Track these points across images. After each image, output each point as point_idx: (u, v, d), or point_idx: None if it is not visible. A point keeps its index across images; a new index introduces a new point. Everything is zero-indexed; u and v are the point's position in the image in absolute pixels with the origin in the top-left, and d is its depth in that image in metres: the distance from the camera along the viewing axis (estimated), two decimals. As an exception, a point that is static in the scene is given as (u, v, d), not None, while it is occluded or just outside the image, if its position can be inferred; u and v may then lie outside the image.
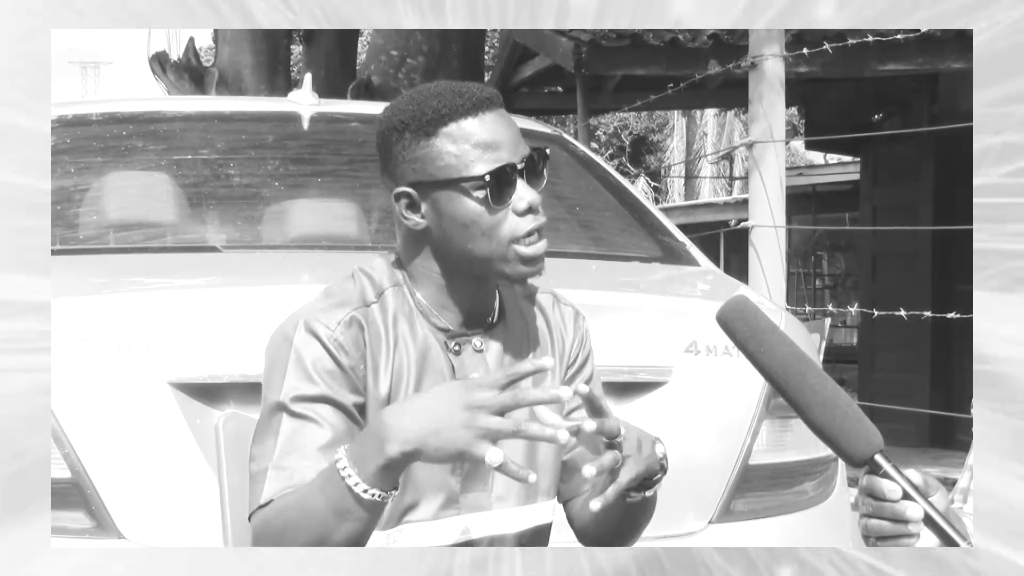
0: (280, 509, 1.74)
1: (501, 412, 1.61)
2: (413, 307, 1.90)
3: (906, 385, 10.11)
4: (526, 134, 4.20)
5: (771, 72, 4.82)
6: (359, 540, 1.70)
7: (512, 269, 1.86)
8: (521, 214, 1.84)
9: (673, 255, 3.43)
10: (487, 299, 1.94)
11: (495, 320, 1.96)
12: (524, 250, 1.84)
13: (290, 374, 1.81)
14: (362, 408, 1.85)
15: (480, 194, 1.82)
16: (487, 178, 1.81)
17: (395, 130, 1.86)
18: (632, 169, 28.68)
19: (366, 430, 1.72)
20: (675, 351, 2.73)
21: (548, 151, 1.91)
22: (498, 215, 1.83)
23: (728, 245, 17.06)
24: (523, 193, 1.84)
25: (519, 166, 1.84)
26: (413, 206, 1.87)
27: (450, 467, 1.89)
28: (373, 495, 1.65)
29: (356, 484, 1.64)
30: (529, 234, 1.84)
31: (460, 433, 1.60)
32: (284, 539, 1.73)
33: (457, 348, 1.91)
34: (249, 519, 1.81)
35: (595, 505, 1.73)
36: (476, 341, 1.92)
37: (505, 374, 1.63)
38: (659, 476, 1.85)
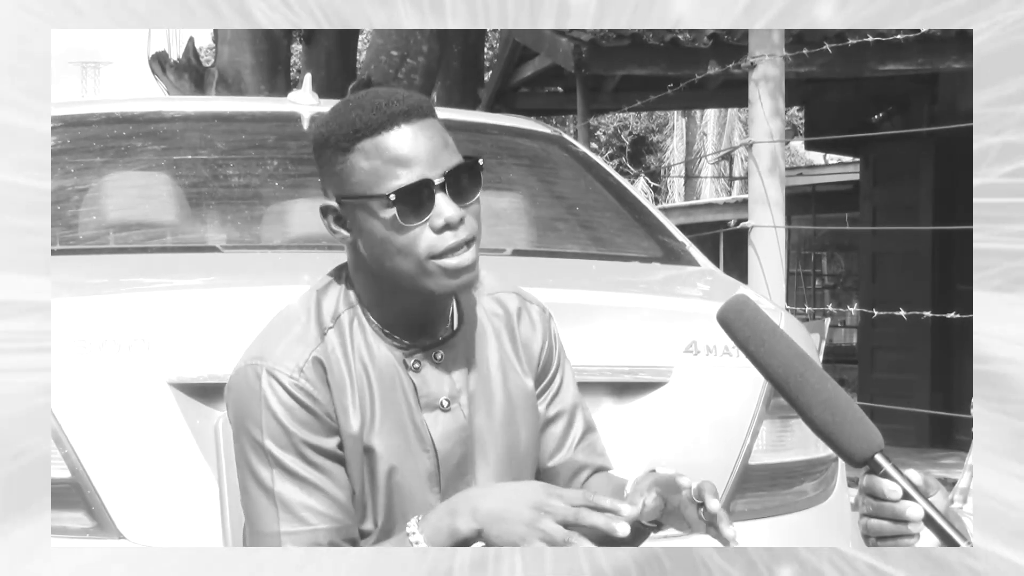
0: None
1: (564, 523, 1.67)
2: (367, 327, 1.87)
3: (906, 385, 10.11)
4: (526, 134, 4.18)
5: (771, 72, 4.82)
6: None
7: (435, 284, 1.79)
8: (438, 231, 1.77)
9: (673, 255, 3.43)
10: (439, 309, 1.89)
11: (455, 327, 1.92)
12: (446, 262, 1.78)
13: (267, 427, 1.80)
14: (341, 447, 1.84)
15: (388, 213, 1.76)
16: (392, 197, 1.75)
17: (321, 144, 1.83)
18: (632, 169, 28.67)
19: (441, 506, 1.77)
20: (675, 351, 2.73)
21: (481, 162, 1.83)
22: (412, 232, 1.77)
23: (728, 245, 17.06)
24: (442, 209, 1.77)
25: (437, 181, 1.77)
26: (340, 220, 1.84)
27: (429, 484, 1.88)
28: None
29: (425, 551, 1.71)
30: (449, 250, 1.78)
31: (521, 528, 1.68)
32: None
33: (417, 365, 1.87)
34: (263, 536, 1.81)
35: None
36: (435, 354, 1.88)
37: (585, 499, 1.68)
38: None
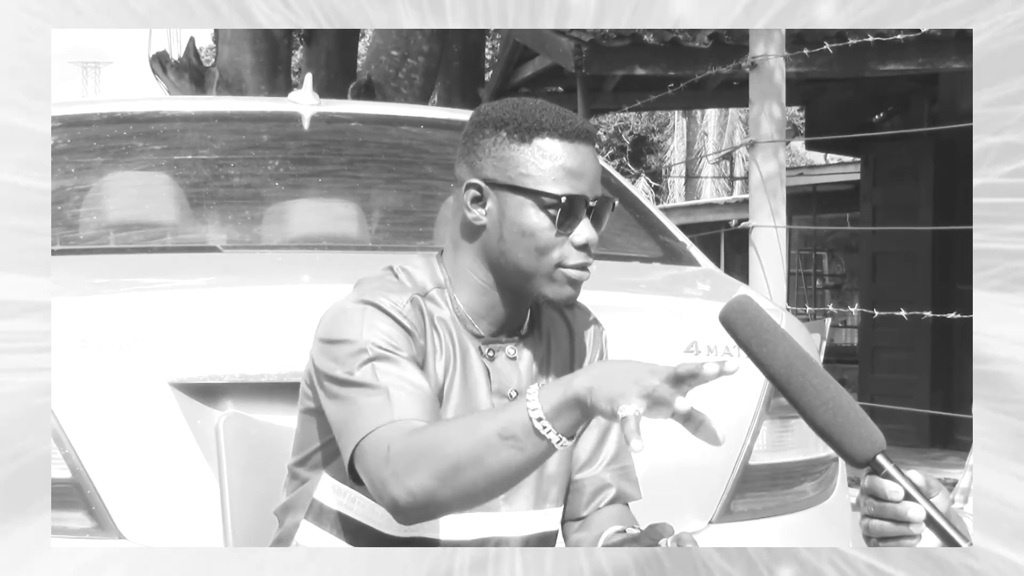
0: (441, 425, 1.75)
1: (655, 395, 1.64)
2: (452, 311, 1.94)
3: (906, 385, 10.11)
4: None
5: (771, 72, 4.82)
6: (509, 475, 1.70)
7: (552, 289, 1.91)
8: (577, 247, 1.90)
9: (673, 255, 3.43)
10: (522, 310, 1.98)
11: (527, 330, 2.00)
12: (572, 273, 1.90)
13: (367, 333, 1.82)
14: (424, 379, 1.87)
15: (547, 213, 1.88)
16: (563, 199, 1.87)
17: (491, 124, 1.91)
18: (633, 169, 28.68)
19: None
20: (675, 351, 2.73)
21: (616, 203, 1.98)
22: (557, 239, 1.89)
23: (729, 245, 17.06)
24: (584, 229, 1.90)
25: (591, 203, 1.90)
26: (479, 201, 1.92)
27: None
28: (544, 428, 1.65)
29: (534, 410, 1.66)
30: (577, 266, 1.91)
31: (627, 385, 1.64)
32: (434, 451, 1.71)
33: (491, 354, 1.95)
34: (368, 435, 1.77)
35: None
36: (509, 349, 1.97)
37: (694, 365, 1.65)
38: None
